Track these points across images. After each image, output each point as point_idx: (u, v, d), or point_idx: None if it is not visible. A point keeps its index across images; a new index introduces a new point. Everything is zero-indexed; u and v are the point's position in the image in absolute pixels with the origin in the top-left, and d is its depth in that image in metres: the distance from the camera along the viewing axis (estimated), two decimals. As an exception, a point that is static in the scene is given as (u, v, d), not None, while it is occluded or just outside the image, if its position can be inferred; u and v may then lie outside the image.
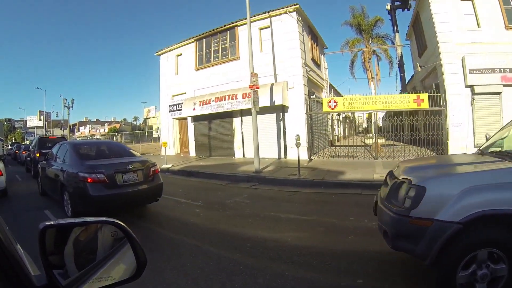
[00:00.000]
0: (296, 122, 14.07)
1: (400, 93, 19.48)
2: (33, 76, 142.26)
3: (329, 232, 4.70)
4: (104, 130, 61.63)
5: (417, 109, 13.39)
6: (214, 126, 15.98)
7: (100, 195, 5.00)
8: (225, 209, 6.37)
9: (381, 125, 28.46)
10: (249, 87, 11.82)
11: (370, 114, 23.18)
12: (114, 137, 36.91)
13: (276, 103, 13.89)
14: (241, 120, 15.24)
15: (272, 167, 11.92)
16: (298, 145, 10.83)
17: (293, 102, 14.30)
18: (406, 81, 21.46)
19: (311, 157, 14.12)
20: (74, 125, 46.23)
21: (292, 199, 7.35)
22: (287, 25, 14.67)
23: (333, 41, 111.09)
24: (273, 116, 14.88)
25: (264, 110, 14.21)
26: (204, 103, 15.23)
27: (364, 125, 30.07)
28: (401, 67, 20.10)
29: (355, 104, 14.04)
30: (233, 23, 15.82)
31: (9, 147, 26.69)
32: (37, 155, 11.99)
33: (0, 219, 0.79)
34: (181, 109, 16.73)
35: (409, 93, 16.31)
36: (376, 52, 22.70)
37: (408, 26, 19.47)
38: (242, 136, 15.24)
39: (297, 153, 10.28)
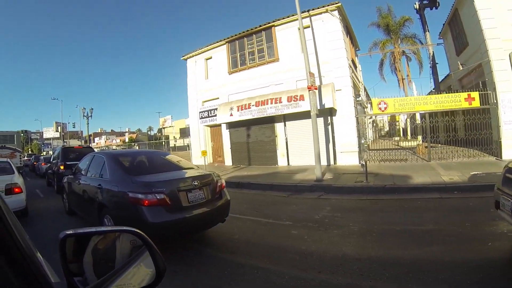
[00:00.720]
0: (345, 126, 13.23)
1: (434, 93, 18.83)
2: (49, 87, 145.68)
3: (463, 241, 4.18)
4: (125, 140, 61.26)
5: (468, 108, 12.72)
6: (253, 133, 14.88)
7: (161, 221, 3.84)
8: (324, 227, 5.31)
9: (404, 127, 28.06)
10: (308, 88, 10.92)
11: (393, 117, 22.67)
12: (132, 147, 35.67)
13: (326, 106, 12.96)
14: (285, 125, 14.23)
15: (328, 174, 10.93)
16: (364, 149, 10.00)
17: (341, 105, 13.40)
18: (439, 80, 20.75)
19: (361, 162, 13.16)
20: (89, 136, 45.00)
21: (383, 209, 6.54)
22: (329, 25, 13.88)
23: (359, 43, 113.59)
24: (319, 121, 13.86)
25: (308, 115, 13.24)
26: (243, 108, 14.16)
27: (386, 128, 29.43)
28: (434, 67, 19.42)
29: (406, 106, 13.28)
30: (269, 23, 14.98)
31: (25, 158, 25.50)
32: (61, 167, 10.69)
33: (21, 228, 0.77)
34: (214, 115, 15.64)
35: (446, 92, 15.63)
36: (405, 52, 22.13)
37: (444, 23, 18.82)
38: (286, 142, 14.20)
39: (364, 159, 9.60)
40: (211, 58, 16.95)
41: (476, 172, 8.85)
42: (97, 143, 62.30)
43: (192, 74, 17.85)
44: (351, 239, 4.58)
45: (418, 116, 15.97)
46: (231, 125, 15.45)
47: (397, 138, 19.62)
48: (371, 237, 4.61)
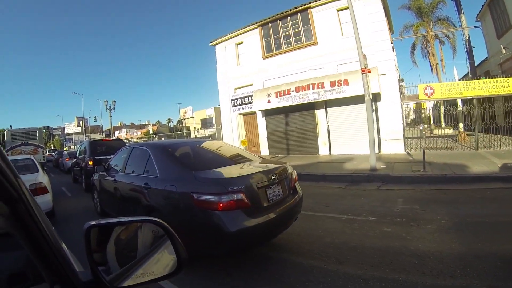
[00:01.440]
0: (390, 112, 12.60)
1: (471, 79, 18.13)
2: (69, 83, 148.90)
3: None
4: (148, 131, 60.57)
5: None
6: (292, 120, 14.23)
7: (242, 229, 2.98)
8: (413, 222, 4.72)
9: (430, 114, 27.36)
10: (362, 71, 10.27)
11: (418, 104, 21.98)
12: (152, 140, 35.32)
13: (372, 91, 12.24)
14: (326, 112, 13.58)
15: (379, 163, 10.37)
16: (423, 136, 9.51)
17: (385, 90, 12.71)
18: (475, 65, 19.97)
19: (407, 151, 12.60)
20: (109, 129, 44.78)
21: (456, 199, 5.99)
22: (369, 6, 13.12)
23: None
24: (362, 107, 13.15)
25: (351, 100, 12.71)
26: (282, 94, 13.50)
27: (412, 116, 28.77)
28: (470, 51, 18.63)
29: (452, 91, 12.64)
30: (305, 4, 14.21)
31: (47, 153, 25.55)
32: (90, 163, 9.77)
33: (47, 220, 0.77)
34: (249, 103, 14.97)
35: (484, 78, 15.02)
36: (439, 36, 21.32)
37: (482, 5, 18.02)
38: (328, 130, 13.56)
39: (423, 147, 9.07)
40: (242, 43, 16.21)
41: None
42: (117, 137, 61.14)
43: (222, 60, 17.12)
44: (453, 234, 4.05)
45: (460, 103, 15.24)
46: (267, 113, 14.79)
47: (425, 126, 18.95)
48: (472, 231, 4.13)
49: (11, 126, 24.72)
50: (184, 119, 53.41)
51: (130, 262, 0.94)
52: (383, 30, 13.15)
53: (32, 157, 8.25)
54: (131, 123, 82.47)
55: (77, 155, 12.22)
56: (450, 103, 13.36)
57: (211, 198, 3.00)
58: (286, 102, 13.41)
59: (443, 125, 19.67)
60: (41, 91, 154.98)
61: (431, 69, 22.00)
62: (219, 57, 17.28)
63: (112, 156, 9.37)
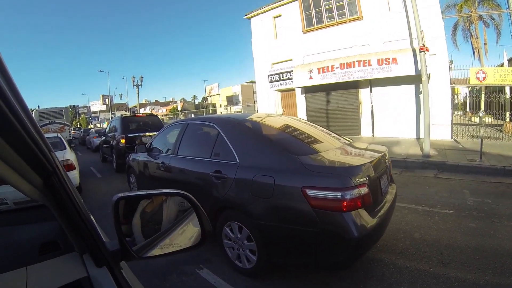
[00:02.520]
0: (439, 96, 12.03)
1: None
2: (94, 60, 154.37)
3: None
4: (176, 108, 60.36)
5: None
6: (333, 99, 13.80)
7: (366, 231, 2.35)
8: (494, 218, 4.43)
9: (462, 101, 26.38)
10: (420, 49, 9.79)
11: (452, 89, 21.22)
12: (178, 117, 35.36)
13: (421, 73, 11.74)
14: (371, 92, 13.13)
15: (430, 150, 9.97)
16: (482, 123, 9.15)
17: (435, 71, 12.13)
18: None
19: (454, 138, 12.17)
20: (134, 107, 45.32)
21: None
22: None
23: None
24: (409, 88, 12.76)
25: (399, 81, 12.23)
26: (325, 70, 13.02)
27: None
28: (517, 33, 17.71)
29: (506, 77, 12.00)
30: (350, -25, 13.41)
31: (72, 131, 26.50)
32: (122, 141, 9.02)
33: (77, 192, 0.80)
34: (288, 79, 14.54)
35: None
36: (483, 17, 20.32)
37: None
38: (372, 110, 13.14)
39: (481, 136, 8.50)
40: (280, 16, 15.57)
41: None
42: (151, 112, 61.29)
43: (258, 34, 16.57)
44: None
45: (507, 90, 14.57)
46: (308, 90, 14.34)
47: (460, 113, 18.36)
48: None
49: (38, 106, 25.50)
50: (210, 96, 52.92)
51: (155, 234, 0.98)
52: (434, 6, 12.46)
53: (59, 135, 8.36)
54: (156, 101, 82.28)
55: (106, 133, 11.47)
56: (497, 90, 12.79)
57: (335, 194, 2.28)
58: (329, 79, 12.96)
59: (482, 113, 19.07)
60: (67, 70, 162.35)
61: (473, 52, 21.09)
62: (254, 31, 16.71)
63: (147, 133, 9.21)
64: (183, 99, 74.04)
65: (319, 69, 13.16)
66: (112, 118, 36.29)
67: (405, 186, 6.51)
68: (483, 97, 18.39)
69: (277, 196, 2.52)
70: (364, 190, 2.37)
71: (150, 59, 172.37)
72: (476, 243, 3.55)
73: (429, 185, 6.48)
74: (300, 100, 14.86)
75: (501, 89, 11.97)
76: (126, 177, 6.16)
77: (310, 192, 2.34)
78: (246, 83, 57.20)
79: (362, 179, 2.40)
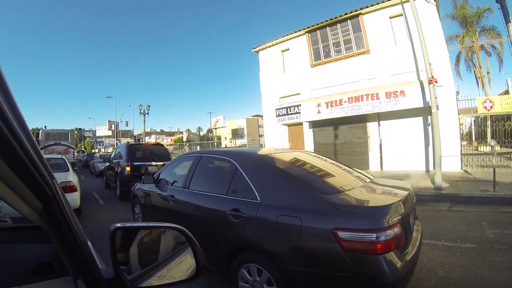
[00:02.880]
0: (447, 127, 11.78)
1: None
2: (103, 86, 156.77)
3: None
4: (182, 138, 62.67)
5: None
6: (341, 133, 13.69)
7: (400, 274, 2.20)
8: None
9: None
10: (429, 81, 9.78)
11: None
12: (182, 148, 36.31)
13: (431, 104, 11.62)
14: (379, 125, 12.98)
15: (442, 182, 9.69)
16: (494, 152, 8.81)
17: (443, 102, 11.94)
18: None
19: (464, 168, 11.84)
20: (139, 135, 46.28)
21: None
22: (424, 12, 12.47)
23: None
24: (417, 121, 12.61)
25: (406, 113, 12.12)
26: (333, 105, 12.98)
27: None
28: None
29: None
30: (356, 10, 13.75)
31: (76, 154, 27.38)
32: (127, 169, 8.80)
33: (75, 217, 0.82)
34: (295, 113, 14.55)
35: None
36: (485, 47, 20.29)
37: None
38: (380, 144, 12.95)
39: (494, 165, 8.28)
40: (288, 49, 15.82)
41: None
42: (147, 142, 62.70)
43: (266, 68, 16.80)
44: None
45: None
46: (315, 124, 14.29)
47: (465, 143, 17.91)
48: None
49: (45, 126, 26.90)
50: (216, 128, 53.86)
51: (151, 264, 0.99)
52: (439, 38, 12.53)
53: (63, 156, 8.76)
54: (161, 130, 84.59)
55: (111, 159, 11.23)
56: (504, 118, 12.55)
57: (369, 236, 2.14)
58: (338, 113, 12.91)
59: (493, 142, 18.67)
60: (76, 94, 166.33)
61: (477, 81, 20.97)
62: (262, 64, 16.97)
63: (153, 162, 9.12)
64: (188, 130, 76.82)
65: (327, 103, 13.16)
66: (117, 144, 37.01)
67: (421, 220, 6.22)
68: (488, 126, 18.07)
69: (304, 238, 2.35)
70: (397, 230, 2.26)
71: (157, 88, 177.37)
72: (504, 278, 3.42)
73: (444, 219, 6.34)
74: (308, 134, 14.78)
75: (508, 117, 11.75)
76: (131, 206, 5.97)
77: (342, 234, 2.19)
78: (251, 117, 58.59)
79: (395, 218, 2.29)
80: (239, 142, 34.88)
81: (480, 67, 20.58)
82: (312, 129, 14.55)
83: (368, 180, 3.40)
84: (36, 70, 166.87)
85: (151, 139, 60.81)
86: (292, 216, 2.45)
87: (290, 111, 14.88)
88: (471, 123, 25.55)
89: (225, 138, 46.72)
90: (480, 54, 20.88)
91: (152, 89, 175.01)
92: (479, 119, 20.84)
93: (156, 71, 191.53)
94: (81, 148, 53.02)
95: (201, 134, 67.68)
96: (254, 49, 17.11)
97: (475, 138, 22.09)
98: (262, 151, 3.68)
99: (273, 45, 16.33)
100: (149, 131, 76.97)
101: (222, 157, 3.59)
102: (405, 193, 2.83)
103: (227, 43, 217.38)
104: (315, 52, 14.78)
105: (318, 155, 4.14)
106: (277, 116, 15.44)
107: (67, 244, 0.83)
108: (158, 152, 9.75)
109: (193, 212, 3.51)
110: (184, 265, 1.04)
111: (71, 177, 6.66)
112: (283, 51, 16.12)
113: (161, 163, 8.96)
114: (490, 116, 12.53)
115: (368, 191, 2.97)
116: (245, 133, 46.95)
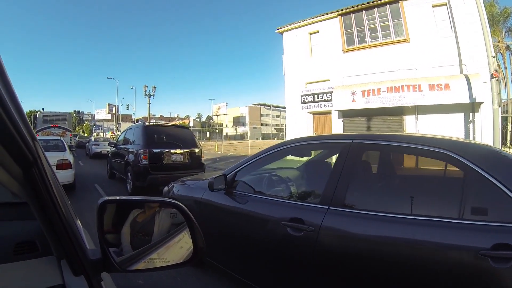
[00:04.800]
0: (488, 126, 11.17)
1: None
2: (103, 68, 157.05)
3: None
4: (188, 124, 61.11)
5: None
6: (375, 125, 12.87)
7: None
8: None
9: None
10: (493, 75, 8.92)
11: None
12: None
13: (477, 100, 11.03)
14: (416, 119, 12.23)
15: None
16: None
17: (486, 100, 11.34)
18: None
19: None
20: (140, 119, 45.08)
21: None
22: (469, 4, 11.78)
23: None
24: (458, 117, 11.94)
25: (448, 109, 11.48)
26: (370, 94, 12.06)
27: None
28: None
29: None
30: (396, -5, 12.77)
31: (78, 138, 28.22)
32: (144, 158, 6.82)
33: (62, 191, 0.78)
34: (324, 100, 13.62)
35: None
36: (510, 48, 20.12)
37: None
38: (418, 139, 12.12)
39: None
40: (317, 32, 14.84)
41: None
42: (181, 123, 62.47)
43: (291, 50, 15.80)
44: None
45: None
46: (346, 114, 13.39)
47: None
48: None
49: (43, 108, 26.79)
50: (218, 115, 52.62)
51: (144, 245, 0.90)
52: (485, 32, 11.82)
53: (61, 138, 9.21)
54: (160, 115, 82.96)
55: (117, 143, 9.15)
56: None
57: None
58: (375, 103, 12.07)
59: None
60: (75, 74, 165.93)
61: (500, 82, 20.82)
62: (287, 46, 15.94)
63: (178, 149, 7.05)
64: (187, 116, 74.43)
65: (363, 91, 12.27)
66: (117, 128, 35.05)
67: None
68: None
69: None
70: None
71: (158, 72, 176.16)
72: None
73: None
74: (337, 124, 13.90)
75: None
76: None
77: None
78: (253, 105, 58.29)
79: None
80: (241, 129, 34.12)
81: (505, 68, 20.50)
82: (342, 119, 13.67)
83: None
84: (32, 46, 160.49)
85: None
86: None
87: (317, 98, 13.93)
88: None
89: (226, 125, 45.79)
90: (505, 54, 20.77)
91: (153, 73, 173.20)
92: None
93: (159, 54, 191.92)
94: (79, 132, 52.67)
95: (201, 121, 66.74)
96: (278, 30, 16.03)
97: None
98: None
99: (299, 26, 15.35)
100: (147, 116, 75.29)
101: (421, 147, 1.98)
102: None
103: (233, 24, 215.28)
104: (348, 37, 13.85)
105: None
106: (302, 103, 14.45)
107: (49, 219, 0.74)
108: (183, 137, 7.72)
109: (383, 263, 1.76)
110: (179, 247, 0.94)
111: (68, 155, 7.10)
112: (311, 34, 15.15)
113: (188, 150, 7.32)
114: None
115: None
116: (247, 121, 46.15)
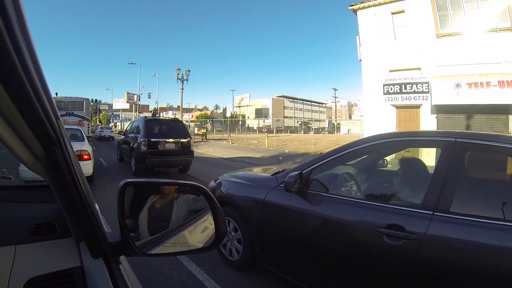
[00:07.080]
0: None
1: None
2: (123, 54, 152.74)
3: None
4: (207, 115, 61.98)
5: None
6: (475, 124, 11.57)
7: None
8: None
9: None
10: None
11: None
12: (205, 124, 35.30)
13: None
14: (525, 120, 10.84)
15: None
16: None
17: None
18: None
19: None
20: (155, 110, 43.30)
21: None
22: None
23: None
24: None
25: None
26: (478, 87, 10.57)
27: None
28: None
29: None
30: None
31: (99, 129, 26.73)
32: (144, 145, 8.45)
33: (83, 175, 0.76)
34: (413, 92, 11.99)
35: None
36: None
37: None
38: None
39: None
40: (402, 12, 13.12)
41: None
42: (175, 117, 59.45)
43: (368, 31, 14.06)
44: None
45: None
46: (442, 109, 11.89)
47: None
48: None
49: (56, 93, 22.27)
50: (240, 106, 50.43)
51: (161, 231, 0.91)
52: None
53: (80, 128, 9.15)
54: (177, 106, 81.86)
55: (126, 132, 11.04)
56: None
57: None
58: (486, 98, 10.61)
59: None
60: (93, 58, 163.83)
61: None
62: (363, 27, 14.19)
63: (170, 139, 8.62)
64: (205, 107, 77.26)
65: (469, 84, 10.86)
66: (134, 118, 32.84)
67: None
68: None
69: None
70: None
71: (173, 62, 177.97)
72: None
73: None
74: (427, 121, 12.48)
75: None
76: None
77: None
78: (276, 97, 57.02)
79: None
80: (261, 121, 33.10)
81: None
82: (436, 115, 12.19)
83: None
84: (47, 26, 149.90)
85: (169, 115, 58.20)
86: None
87: (405, 88, 12.31)
88: None
89: (248, 117, 46.34)
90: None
91: (176, 63, 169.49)
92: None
93: (183, 41, 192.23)
94: (96, 122, 52.65)
95: (218, 111, 65.19)
96: (351, 7, 14.12)
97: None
98: None
99: (380, 4, 13.57)
100: (165, 106, 75.60)
101: None
102: None
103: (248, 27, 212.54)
104: (442, 19, 12.33)
105: None
106: (385, 94, 12.84)
107: (70, 201, 0.74)
108: (176, 128, 9.38)
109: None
110: (198, 233, 0.94)
111: (86, 146, 7.05)
112: (393, 14, 13.33)
113: (180, 140, 8.88)
114: None
115: None
116: (270, 113, 44.62)
